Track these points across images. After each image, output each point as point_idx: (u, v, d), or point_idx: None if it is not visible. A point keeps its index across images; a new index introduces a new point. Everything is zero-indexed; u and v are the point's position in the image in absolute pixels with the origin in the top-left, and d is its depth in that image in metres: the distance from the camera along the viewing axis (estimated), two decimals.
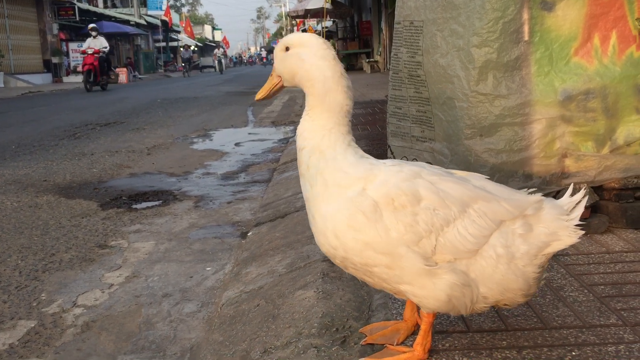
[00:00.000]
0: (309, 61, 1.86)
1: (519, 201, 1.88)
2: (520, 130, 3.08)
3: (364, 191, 1.79)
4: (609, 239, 2.97)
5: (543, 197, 1.94)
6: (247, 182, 6.11)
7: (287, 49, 1.90)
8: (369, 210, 1.76)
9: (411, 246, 1.75)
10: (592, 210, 3.15)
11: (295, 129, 10.20)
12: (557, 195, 3.14)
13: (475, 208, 1.82)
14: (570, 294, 2.36)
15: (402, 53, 3.57)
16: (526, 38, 3.04)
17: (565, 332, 2.06)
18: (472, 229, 1.79)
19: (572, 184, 2.05)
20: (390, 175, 1.82)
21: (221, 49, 54.66)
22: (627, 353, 1.89)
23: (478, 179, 1.95)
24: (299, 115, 11.29)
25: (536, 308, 2.24)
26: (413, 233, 1.75)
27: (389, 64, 3.71)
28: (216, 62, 50.41)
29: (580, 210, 1.92)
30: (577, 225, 1.89)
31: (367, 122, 8.46)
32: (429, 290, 1.79)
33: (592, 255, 2.76)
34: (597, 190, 3.18)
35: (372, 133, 7.31)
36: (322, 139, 1.86)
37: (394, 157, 3.80)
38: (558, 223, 1.88)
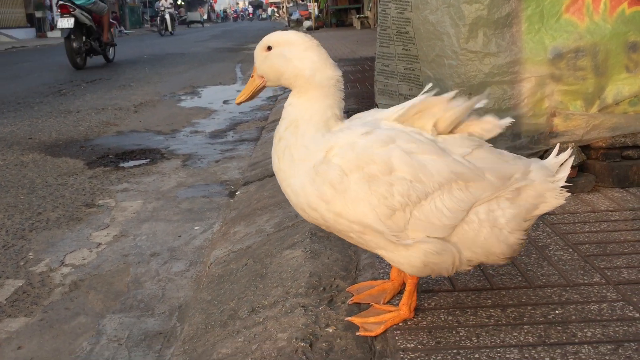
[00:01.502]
0: (296, 57, 1.81)
1: (504, 171, 1.80)
2: (509, 89, 3.06)
3: (328, 159, 1.74)
4: (594, 198, 2.98)
5: (532, 161, 1.90)
6: (236, 140, 6.07)
7: (269, 48, 1.84)
8: (336, 180, 1.71)
9: (383, 219, 1.71)
10: (578, 169, 3.15)
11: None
12: (545, 154, 3.14)
13: (455, 184, 1.75)
14: (555, 252, 2.38)
15: (390, 9, 3.51)
16: None
17: (549, 290, 2.08)
18: (449, 204, 1.73)
19: (558, 144, 2.04)
20: (356, 137, 1.75)
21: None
22: (609, 311, 1.91)
23: (460, 145, 1.81)
24: None
25: (521, 267, 2.27)
26: (386, 206, 1.70)
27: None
28: (158, 18, 33.88)
29: (566, 171, 1.90)
30: (563, 186, 1.88)
31: (356, 80, 8.39)
32: (404, 257, 1.78)
33: (578, 215, 2.78)
34: (584, 149, 3.18)
35: (362, 91, 7.25)
36: (305, 111, 1.83)
37: None
38: (545, 185, 1.86)
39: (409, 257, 1.78)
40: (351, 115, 2.00)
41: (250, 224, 3.34)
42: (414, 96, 3.46)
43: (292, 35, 1.85)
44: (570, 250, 2.40)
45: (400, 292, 2.12)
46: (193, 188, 4.42)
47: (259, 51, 1.86)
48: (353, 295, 2.15)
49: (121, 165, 5.18)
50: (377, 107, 3.81)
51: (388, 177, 1.70)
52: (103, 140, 6.18)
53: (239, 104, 1.94)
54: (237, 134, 6.41)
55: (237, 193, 4.11)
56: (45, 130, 6.77)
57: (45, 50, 21.23)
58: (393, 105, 3.60)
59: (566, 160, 1.91)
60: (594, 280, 2.14)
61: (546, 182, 1.86)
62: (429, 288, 2.14)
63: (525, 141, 3.12)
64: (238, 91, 9.87)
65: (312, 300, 2.17)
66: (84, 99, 9.15)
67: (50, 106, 8.50)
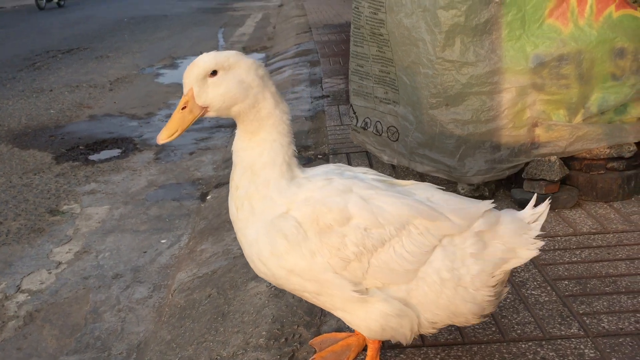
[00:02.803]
0: (255, 83, 1.61)
1: (467, 211, 1.70)
2: (488, 100, 2.87)
3: (286, 212, 1.63)
4: (577, 216, 2.83)
5: (494, 207, 1.76)
6: (212, 126, 5.86)
7: (214, 73, 1.59)
8: (290, 232, 1.60)
9: (338, 271, 1.60)
10: (561, 181, 2.99)
11: (266, 56, 9.83)
12: (526, 166, 2.98)
13: (416, 224, 1.64)
14: (533, 292, 2.24)
15: (363, 7, 3.28)
16: None
17: (524, 345, 1.95)
18: (410, 247, 1.62)
19: (535, 195, 1.87)
20: (314, 190, 1.65)
21: None
22: None
23: (425, 189, 1.76)
24: (272, 39, 10.71)
25: (495, 312, 2.13)
26: (339, 258, 1.59)
27: None
28: None
29: (541, 222, 1.76)
30: (537, 236, 1.74)
31: (340, 53, 8.11)
32: (361, 319, 1.66)
33: (559, 239, 2.63)
34: (566, 160, 3.01)
35: (346, 68, 6.99)
36: (261, 156, 1.67)
37: (357, 118, 3.58)
38: (516, 238, 1.72)
39: (367, 319, 1.66)
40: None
41: (218, 240, 3.18)
42: (390, 100, 3.28)
43: (236, 55, 1.62)
44: (549, 288, 2.26)
45: (365, 349, 1.98)
46: (164, 189, 4.24)
47: (198, 78, 1.57)
48: (315, 350, 2.01)
49: (91, 158, 4.98)
50: (352, 108, 3.63)
51: (342, 228, 1.61)
52: (74, 127, 5.94)
53: (163, 142, 1.61)
54: (213, 118, 6.17)
55: (208, 197, 3.94)
56: (16, 114, 6.51)
57: (23, 13, 20.57)
58: (369, 107, 3.42)
59: (543, 212, 1.77)
60: (572, 331, 2.01)
61: (518, 234, 1.72)
62: (397, 343, 2.00)
63: (506, 154, 2.95)
64: None
65: (272, 356, 2.03)
66: (59, 74, 8.84)
67: (23, 83, 8.21)
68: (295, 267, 1.61)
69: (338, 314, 1.71)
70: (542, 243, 1.74)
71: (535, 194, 1.90)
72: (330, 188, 1.65)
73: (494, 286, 1.71)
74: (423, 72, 2.93)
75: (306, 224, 1.61)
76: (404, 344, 1.75)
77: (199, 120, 5.28)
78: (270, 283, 2.48)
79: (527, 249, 1.72)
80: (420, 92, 2.98)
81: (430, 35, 2.87)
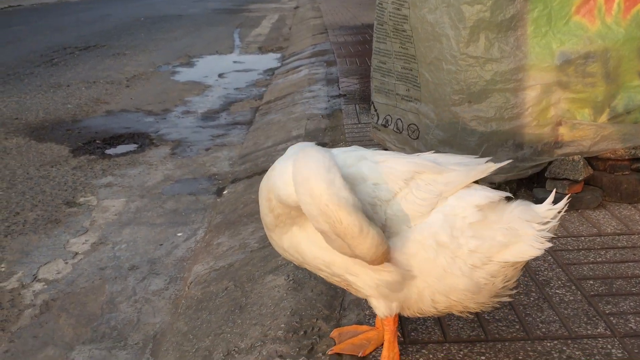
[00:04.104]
0: None
1: (469, 159, 1.78)
2: (512, 97, 2.83)
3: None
4: (601, 217, 2.78)
5: (517, 202, 1.72)
6: (228, 123, 5.84)
7: None
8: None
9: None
10: (585, 181, 2.95)
11: (282, 56, 9.83)
12: (549, 165, 2.93)
13: (423, 177, 1.69)
14: (557, 291, 2.20)
15: (387, 3, 3.25)
16: None
17: (549, 344, 1.90)
18: (421, 194, 1.66)
19: (554, 191, 1.82)
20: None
21: None
22: None
23: (431, 154, 1.83)
24: (288, 40, 10.70)
25: (519, 310, 2.09)
26: None
27: None
28: None
29: (556, 221, 1.69)
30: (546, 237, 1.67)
31: (356, 54, 8.09)
32: (366, 277, 1.66)
33: (582, 239, 2.58)
34: (590, 160, 2.97)
35: (362, 68, 6.98)
36: None
37: (378, 115, 3.55)
38: (524, 225, 1.66)
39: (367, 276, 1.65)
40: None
41: (235, 234, 3.15)
42: (412, 97, 3.24)
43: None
44: (574, 287, 2.22)
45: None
46: (180, 183, 4.23)
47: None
48: (335, 343, 1.98)
49: (107, 152, 4.98)
50: (374, 106, 3.60)
51: (357, 187, 1.64)
52: (91, 122, 5.95)
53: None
54: (230, 115, 6.16)
55: (224, 192, 3.92)
56: (33, 108, 6.53)
57: (41, 10, 20.72)
58: (390, 105, 3.39)
59: (562, 209, 1.70)
60: (598, 330, 1.96)
61: (527, 222, 1.66)
62: (418, 337, 1.97)
63: (529, 152, 2.90)
64: (235, 62, 9.55)
65: (290, 349, 2.00)
66: (76, 70, 8.87)
67: (40, 79, 8.24)
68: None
69: (349, 279, 1.69)
70: (550, 244, 1.67)
71: (554, 190, 1.86)
72: (349, 161, 1.71)
73: (493, 276, 1.66)
74: (446, 69, 2.90)
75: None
76: (406, 314, 1.72)
77: (215, 117, 5.27)
78: (288, 276, 2.46)
79: (531, 244, 1.64)
80: (443, 88, 2.94)
81: (454, 31, 2.84)
